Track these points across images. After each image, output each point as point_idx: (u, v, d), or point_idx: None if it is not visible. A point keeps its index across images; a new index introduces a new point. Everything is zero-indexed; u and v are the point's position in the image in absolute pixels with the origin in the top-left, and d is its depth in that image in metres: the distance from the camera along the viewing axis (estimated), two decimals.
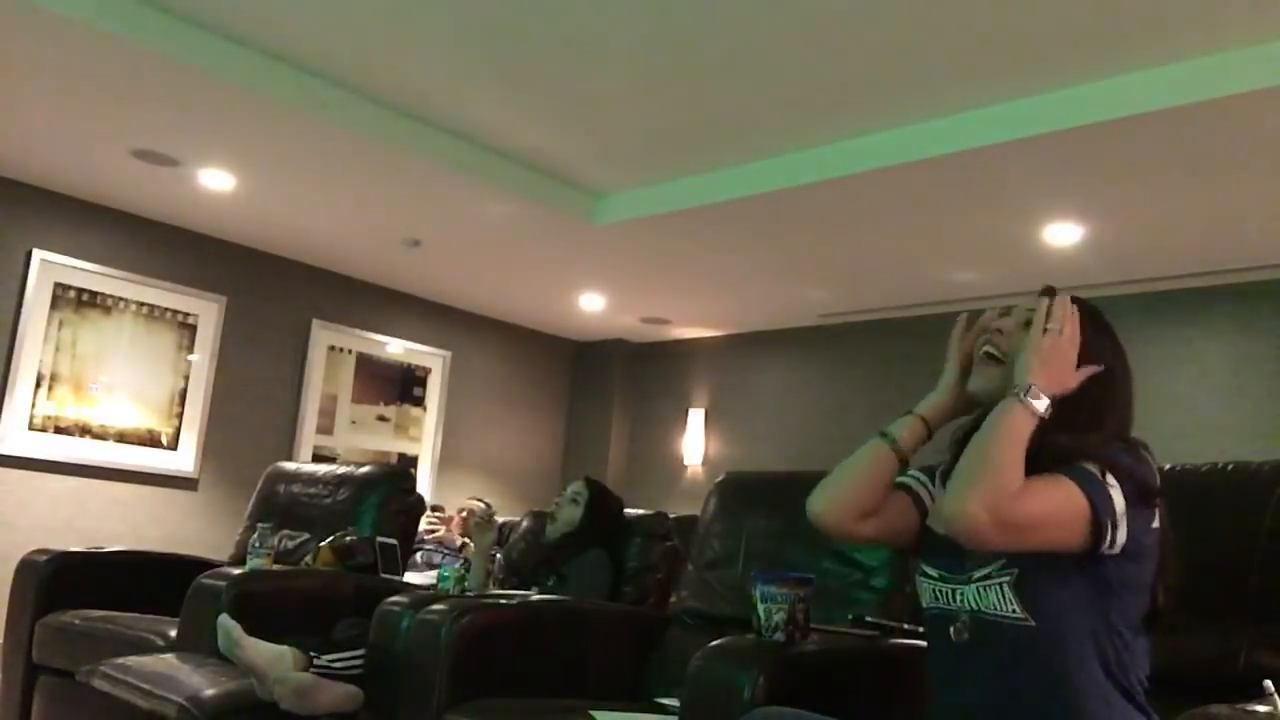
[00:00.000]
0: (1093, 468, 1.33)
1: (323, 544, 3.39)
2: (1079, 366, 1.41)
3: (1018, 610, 1.35)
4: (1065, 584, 1.33)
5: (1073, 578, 1.33)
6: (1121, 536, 1.31)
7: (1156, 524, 1.37)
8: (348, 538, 3.38)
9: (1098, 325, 1.48)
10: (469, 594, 2.79)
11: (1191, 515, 1.76)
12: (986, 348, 1.49)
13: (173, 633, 2.89)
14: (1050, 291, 1.47)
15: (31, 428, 4.98)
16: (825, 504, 1.52)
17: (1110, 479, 1.32)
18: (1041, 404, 1.35)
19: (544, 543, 3.41)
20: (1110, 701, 1.32)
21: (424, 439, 6.67)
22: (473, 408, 6.92)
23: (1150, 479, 1.36)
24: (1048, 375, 1.38)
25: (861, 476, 1.52)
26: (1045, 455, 1.35)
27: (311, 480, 3.90)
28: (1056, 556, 1.32)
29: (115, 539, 4.97)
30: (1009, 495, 1.29)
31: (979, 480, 1.30)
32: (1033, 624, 1.34)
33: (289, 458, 5.76)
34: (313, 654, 2.41)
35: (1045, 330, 1.41)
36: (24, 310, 4.98)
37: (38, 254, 5.04)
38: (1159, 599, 1.39)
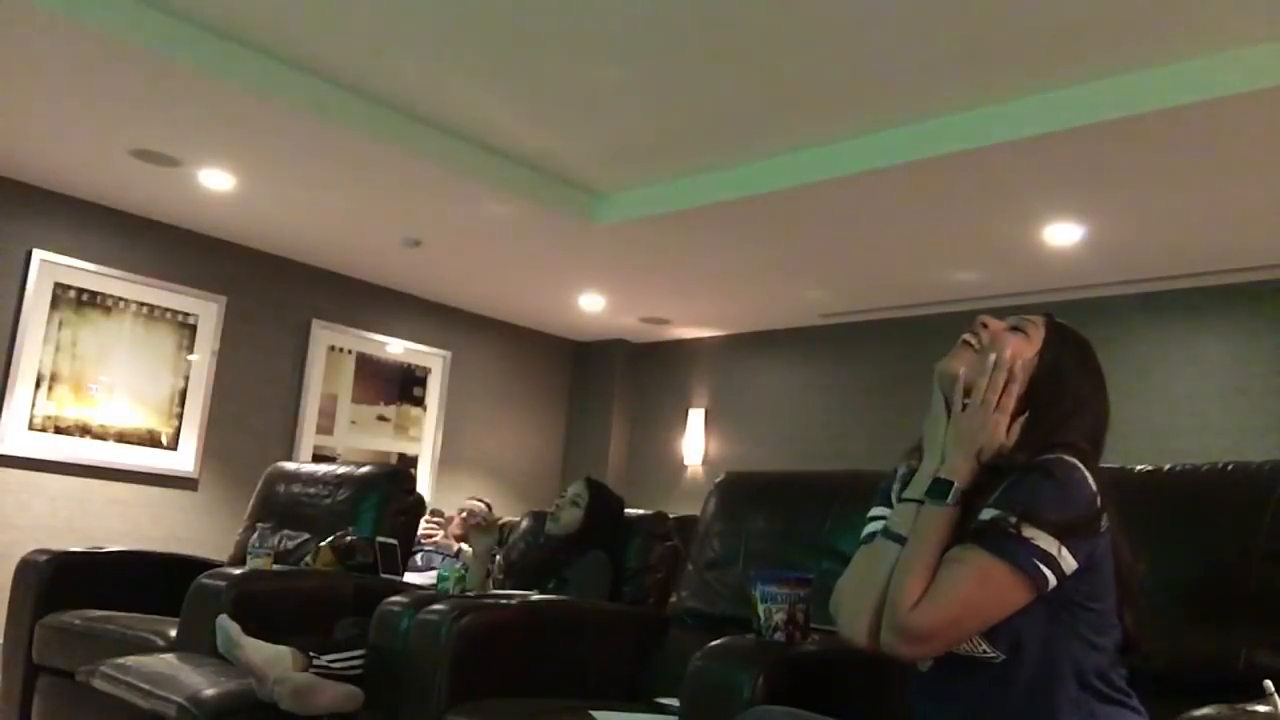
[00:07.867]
0: (1008, 526, 1.29)
1: (323, 544, 3.39)
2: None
3: (987, 649, 1.33)
4: (1027, 613, 1.30)
5: (1033, 606, 1.30)
6: (1067, 565, 1.29)
7: (1105, 527, 1.34)
8: (348, 538, 3.39)
9: (1058, 351, 1.46)
10: (469, 594, 2.79)
11: (1191, 515, 1.77)
12: (967, 335, 1.50)
13: (173, 633, 2.89)
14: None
15: (31, 428, 4.98)
16: (869, 634, 1.39)
17: (1027, 530, 1.28)
18: (954, 497, 1.37)
19: (544, 545, 3.41)
20: (1093, 713, 1.31)
21: (424, 439, 6.67)
22: (473, 408, 6.92)
23: (1078, 502, 1.31)
24: (967, 455, 1.39)
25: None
26: (961, 523, 1.35)
27: (311, 480, 3.90)
28: None
29: (115, 539, 4.96)
30: (904, 611, 1.30)
31: (871, 609, 1.35)
32: (1004, 658, 1.32)
33: (289, 458, 5.76)
34: (312, 654, 2.41)
35: (965, 405, 1.42)
36: (24, 310, 4.98)
37: (38, 254, 5.04)
38: (1128, 626, 1.37)
